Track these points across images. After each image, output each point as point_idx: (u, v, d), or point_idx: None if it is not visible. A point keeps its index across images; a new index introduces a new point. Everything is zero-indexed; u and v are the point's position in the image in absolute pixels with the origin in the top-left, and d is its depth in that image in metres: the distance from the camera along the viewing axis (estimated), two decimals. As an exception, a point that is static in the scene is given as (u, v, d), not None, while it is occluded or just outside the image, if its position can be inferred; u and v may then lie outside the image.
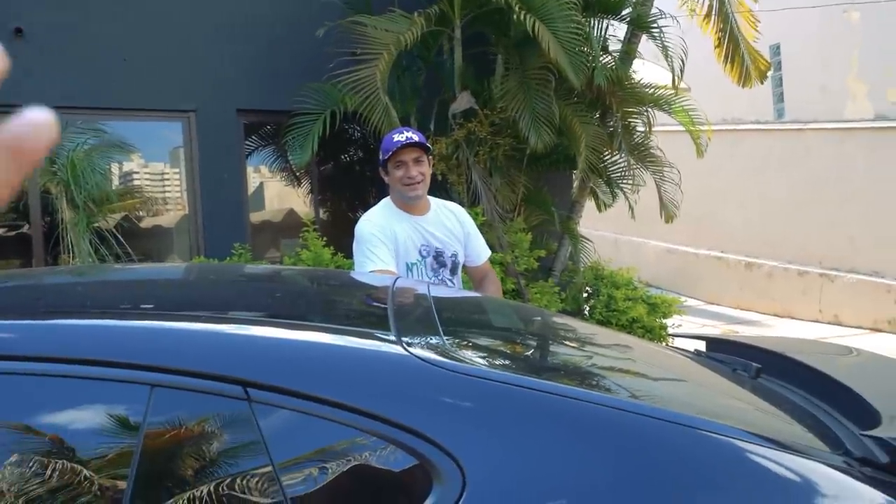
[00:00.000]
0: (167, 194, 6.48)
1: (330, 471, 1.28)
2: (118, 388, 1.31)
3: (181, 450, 1.30)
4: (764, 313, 10.16)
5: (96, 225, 5.37)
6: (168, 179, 6.48)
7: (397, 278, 2.12)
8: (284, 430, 1.29)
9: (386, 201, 3.04)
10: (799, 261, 9.91)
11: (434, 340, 1.52)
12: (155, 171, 6.53)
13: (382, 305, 1.75)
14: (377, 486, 1.29)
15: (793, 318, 9.84)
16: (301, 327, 1.53)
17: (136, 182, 6.40)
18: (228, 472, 1.28)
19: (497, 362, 1.61)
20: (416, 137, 2.88)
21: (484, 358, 1.60)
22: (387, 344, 1.44)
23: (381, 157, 2.93)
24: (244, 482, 1.27)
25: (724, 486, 1.31)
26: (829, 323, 9.42)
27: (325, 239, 5.49)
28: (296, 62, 6.05)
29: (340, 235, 6.25)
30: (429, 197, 3.03)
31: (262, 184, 6.85)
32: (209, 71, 6.09)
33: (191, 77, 6.04)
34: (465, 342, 1.70)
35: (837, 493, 1.36)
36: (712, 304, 10.80)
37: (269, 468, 1.25)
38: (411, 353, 1.38)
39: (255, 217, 6.68)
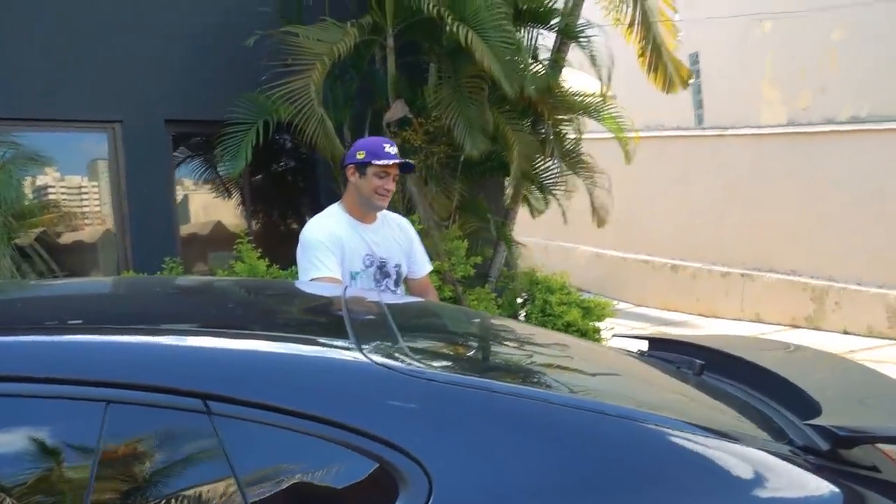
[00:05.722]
0: (93, 208, 6.27)
1: (296, 482, 1.28)
2: (70, 406, 1.27)
3: (140, 468, 1.26)
4: (690, 313, 10.48)
5: (17, 241, 5.16)
6: (93, 193, 6.28)
7: (346, 287, 2.12)
8: (247, 442, 1.27)
9: (335, 208, 3.05)
10: (721, 262, 10.27)
11: (393, 346, 1.53)
12: (79, 184, 6.31)
13: (338, 314, 1.74)
14: (344, 495, 1.28)
15: (717, 317, 10.18)
16: (259, 338, 1.51)
17: (59, 196, 6.18)
18: (190, 487, 1.26)
19: (457, 366, 1.63)
20: (399, 156, 2.96)
21: (444, 362, 1.61)
22: (347, 352, 1.43)
23: (359, 156, 2.93)
24: (208, 498, 1.24)
25: (680, 477, 1.35)
26: (750, 321, 9.78)
27: (259, 251, 5.40)
28: (226, 72, 5.95)
29: (275, 247, 6.16)
30: None
31: (192, 196, 6.70)
32: (135, 80, 5.93)
33: (116, 87, 5.87)
34: (424, 347, 1.71)
35: (784, 480, 1.42)
36: (640, 306, 11.08)
37: (233, 482, 1.23)
38: (372, 360, 1.38)
39: (186, 230, 6.53)
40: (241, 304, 1.93)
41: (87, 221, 6.23)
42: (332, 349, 1.47)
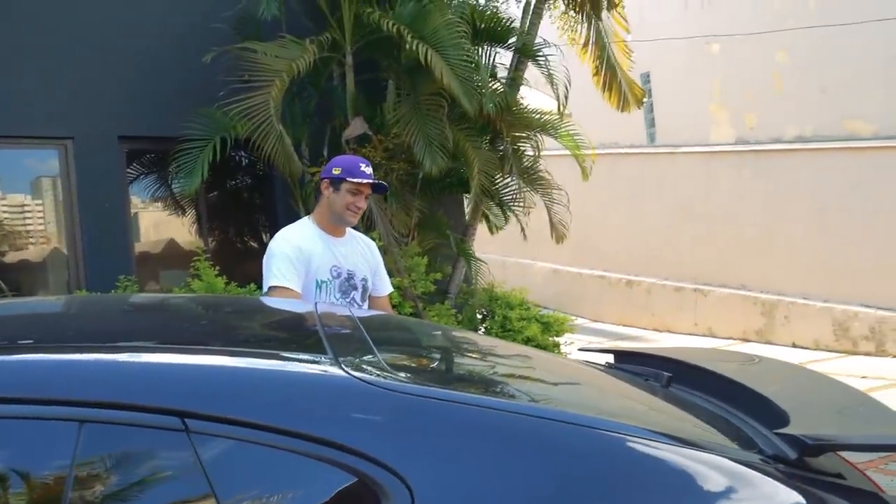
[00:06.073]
0: (44, 226, 6.12)
1: (275, 498, 1.26)
2: (42, 426, 1.23)
3: (116, 488, 1.23)
4: (645, 328, 10.64)
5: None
6: (44, 210, 6.12)
7: (317, 303, 2.11)
8: (227, 460, 1.25)
9: (306, 220, 3.15)
10: (674, 277, 10.45)
11: (371, 361, 1.53)
12: (29, 201, 6.16)
13: (314, 329, 1.73)
14: (326, 512, 1.27)
15: (671, 331, 10.35)
16: (236, 354, 1.49)
17: (7, 214, 6.02)
18: (169, 507, 1.23)
19: (435, 380, 1.63)
20: (374, 177, 3.09)
21: (422, 376, 1.61)
22: (326, 367, 1.43)
23: (335, 172, 3.03)
24: (187, 517, 1.22)
25: (653, 486, 1.36)
26: (703, 335, 9.97)
27: (217, 268, 5.33)
28: (182, 88, 5.88)
29: (232, 264, 6.09)
30: None
31: (147, 213, 6.58)
32: (87, 96, 5.82)
33: (67, 103, 5.75)
34: (402, 361, 1.71)
35: (754, 488, 1.44)
36: (597, 321, 11.20)
37: (212, 499, 1.21)
38: (352, 375, 1.38)
39: (141, 248, 6.40)
40: (216, 320, 1.91)
41: (37, 240, 6.08)
42: (311, 364, 1.46)
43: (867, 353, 8.28)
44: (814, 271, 8.82)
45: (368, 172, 3.04)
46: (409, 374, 1.57)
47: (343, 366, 1.40)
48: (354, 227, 3.29)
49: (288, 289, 2.84)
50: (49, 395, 1.25)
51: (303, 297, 2.90)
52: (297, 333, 1.83)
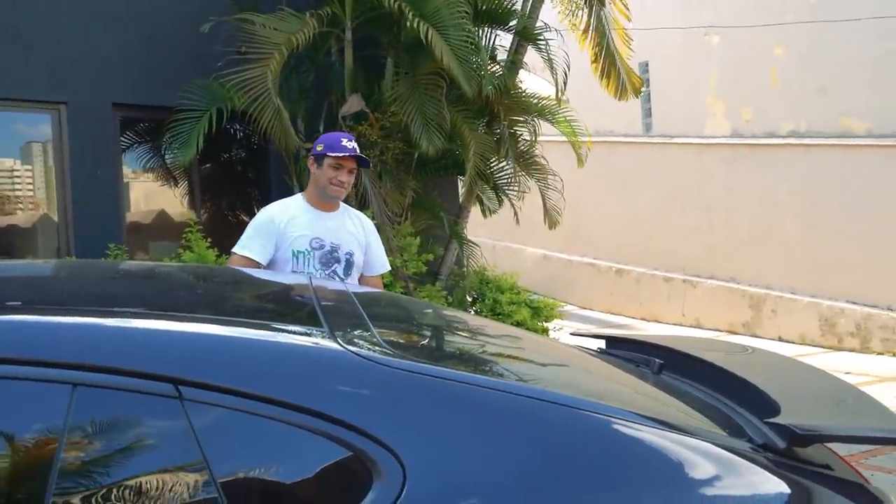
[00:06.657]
0: (34, 191, 6.07)
1: (268, 469, 1.26)
2: (35, 387, 1.22)
3: (108, 452, 1.23)
4: (632, 317, 10.68)
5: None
6: (35, 175, 6.07)
7: (312, 276, 2.11)
8: (219, 428, 1.25)
9: (297, 196, 3.28)
10: (664, 268, 10.49)
11: (366, 335, 1.52)
12: (19, 166, 6.10)
13: (309, 301, 1.73)
14: (317, 484, 1.27)
15: (658, 321, 10.40)
16: (231, 323, 1.49)
17: (-3, 177, 5.97)
18: (160, 473, 1.23)
19: (429, 356, 1.63)
20: (357, 151, 3.15)
21: (416, 352, 1.62)
22: (321, 339, 1.42)
23: (318, 149, 3.13)
24: (178, 484, 1.22)
25: (642, 469, 1.36)
26: (690, 326, 10.03)
27: (208, 240, 5.31)
28: (179, 57, 5.83)
29: (223, 236, 6.06)
30: (342, 203, 3.30)
31: (139, 183, 6.54)
32: (83, 61, 5.76)
33: (62, 67, 5.69)
34: (396, 337, 1.71)
35: (742, 475, 1.45)
36: (585, 308, 11.24)
37: (205, 468, 1.20)
38: (346, 348, 1.38)
39: (132, 217, 6.37)
40: (212, 289, 1.91)
41: (26, 205, 6.03)
42: (306, 336, 1.46)
43: (852, 350, 8.36)
44: (803, 266, 8.87)
45: (350, 147, 3.10)
46: (403, 350, 1.57)
47: (338, 339, 1.40)
48: (348, 204, 3.32)
49: (244, 257, 3.03)
50: (43, 356, 1.24)
51: (278, 267, 3.04)
52: (292, 305, 1.83)
